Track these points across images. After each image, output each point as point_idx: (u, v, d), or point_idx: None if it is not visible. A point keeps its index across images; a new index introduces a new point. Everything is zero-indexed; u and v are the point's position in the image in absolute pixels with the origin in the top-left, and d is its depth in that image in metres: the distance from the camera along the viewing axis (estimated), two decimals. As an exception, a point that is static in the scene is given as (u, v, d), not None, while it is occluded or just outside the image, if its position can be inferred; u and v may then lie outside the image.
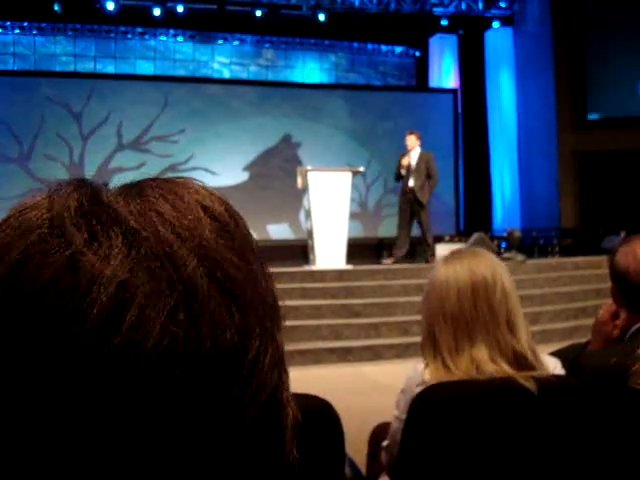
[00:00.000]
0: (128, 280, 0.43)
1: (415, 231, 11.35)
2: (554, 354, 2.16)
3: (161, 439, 0.43)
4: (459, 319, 1.74)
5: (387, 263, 10.42)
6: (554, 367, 1.87)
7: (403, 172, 10.63)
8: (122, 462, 0.42)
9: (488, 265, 1.79)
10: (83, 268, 0.43)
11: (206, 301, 0.45)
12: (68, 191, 0.49)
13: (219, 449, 0.45)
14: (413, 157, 10.62)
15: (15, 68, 15.42)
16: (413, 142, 10.71)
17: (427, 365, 1.86)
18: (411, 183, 10.57)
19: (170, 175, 0.55)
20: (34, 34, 15.60)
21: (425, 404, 1.72)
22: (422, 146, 10.93)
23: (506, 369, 1.71)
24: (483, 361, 1.71)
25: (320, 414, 1.70)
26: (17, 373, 0.42)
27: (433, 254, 10.65)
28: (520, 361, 1.74)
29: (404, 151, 10.46)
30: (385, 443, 2.07)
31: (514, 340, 1.75)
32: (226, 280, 0.46)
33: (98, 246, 0.44)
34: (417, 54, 17.94)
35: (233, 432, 0.46)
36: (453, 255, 1.85)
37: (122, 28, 15.87)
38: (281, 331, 0.51)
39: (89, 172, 14.43)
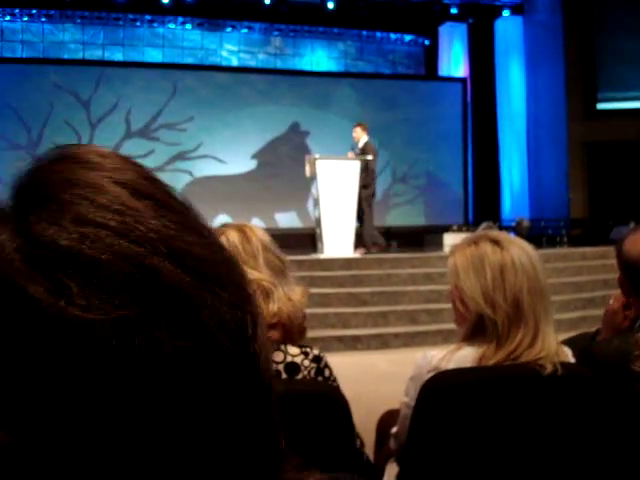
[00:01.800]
0: (120, 316, 0.40)
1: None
2: (564, 343, 2.16)
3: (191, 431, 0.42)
4: (544, 294, 1.78)
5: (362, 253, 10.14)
6: (566, 355, 1.87)
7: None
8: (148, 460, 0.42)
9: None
10: (69, 325, 0.39)
11: (195, 294, 0.43)
12: None
13: (244, 418, 0.46)
14: (359, 148, 10.50)
15: (24, 55, 15.43)
16: (358, 134, 10.60)
17: (459, 348, 1.85)
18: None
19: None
20: (42, 22, 15.59)
21: (435, 390, 1.72)
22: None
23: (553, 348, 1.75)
24: (554, 336, 1.76)
25: (328, 399, 1.70)
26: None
27: (361, 246, 10.24)
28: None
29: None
30: (394, 430, 2.07)
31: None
32: (196, 265, 0.44)
33: (68, 293, 0.40)
34: (426, 42, 17.85)
35: (255, 402, 0.46)
36: (502, 237, 1.86)
37: (130, 16, 15.84)
38: (249, 284, 0.50)
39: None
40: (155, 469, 0.41)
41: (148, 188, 0.46)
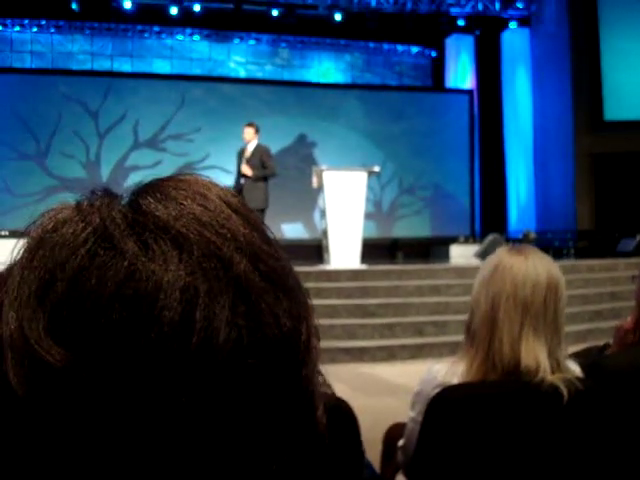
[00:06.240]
0: (189, 283, 0.45)
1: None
2: (570, 357, 2.15)
3: (242, 424, 0.46)
4: (529, 310, 1.75)
5: None
6: (574, 371, 1.86)
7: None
8: (212, 453, 0.46)
9: (559, 271, 1.83)
10: (145, 276, 0.45)
11: (260, 293, 0.48)
12: (104, 202, 0.50)
13: (285, 424, 0.49)
14: (248, 150, 9.93)
15: (33, 66, 15.53)
16: (251, 135, 9.94)
17: (461, 359, 1.83)
18: (241, 180, 9.89)
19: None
20: (52, 32, 15.71)
21: (442, 405, 1.72)
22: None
23: (548, 371, 1.72)
24: (543, 357, 1.72)
25: (337, 412, 1.70)
26: (100, 387, 0.44)
27: None
28: (553, 368, 1.75)
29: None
30: (401, 443, 2.07)
31: (558, 347, 1.77)
32: (268, 271, 0.50)
33: (152, 253, 0.46)
34: (433, 54, 17.91)
35: (297, 407, 0.50)
36: (526, 250, 1.85)
37: (139, 27, 15.95)
38: (313, 311, 0.55)
39: (105, 170, 14.52)
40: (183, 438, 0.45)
41: (244, 211, 0.54)
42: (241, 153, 10.01)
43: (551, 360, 1.73)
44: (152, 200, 0.50)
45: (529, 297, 1.75)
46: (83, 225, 0.48)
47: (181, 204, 0.50)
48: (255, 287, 0.48)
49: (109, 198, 0.51)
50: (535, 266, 1.78)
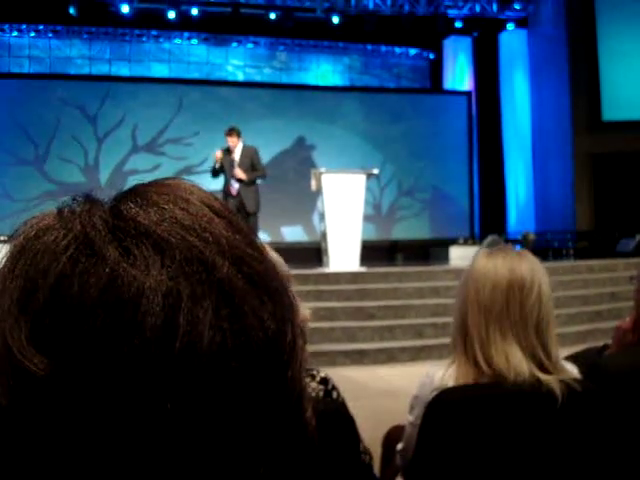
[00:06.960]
0: (172, 287, 0.45)
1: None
2: (569, 358, 2.15)
3: (228, 428, 0.46)
4: (491, 312, 1.74)
5: None
6: (571, 372, 1.86)
7: (217, 165, 9.87)
8: (197, 456, 0.46)
9: (529, 268, 1.79)
10: (127, 282, 0.45)
11: (244, 295, 0.48)
12: (84, 208, 0.50)
13: (274, 426, 0.49)
14: (236, 154, 9.86)
15: (31, 71, 15.55)
16: (235, 141, 9.88)
17: (453, 362, 1.83)
18: (236, 185, 9.81)
19: (185, 178, 0.57)
20: (49, 37, 15.73)
21: (440, 408, 1.72)
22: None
23: (534, 370, 1.71)
24: (516, 358, 1.71)
25: (335, 415, 1.70)
26: (84, 395, 0.44)
27: None
28: (541, 367, 1.73)
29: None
30: (400, 447, 2.06)
31: (539, 347, 1.74)
32: (252, 274, 0.50)
33: (134, 259, 0.46)
34: (431, 56, 17.92)
35: (284, 409, 0.50)
36: (498, 251, 1.84)
37: (137, 31, 15.97)
38: (297, 312, 0.54)
39: (104, 174, 14.51)
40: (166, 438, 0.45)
41: (226, 213, 0.54)
42: (225, 154, 9.91)
43: (532, 360, 1.72)
44: (133, 205, 0.50)
45: (488, 299, 1.75)
46: (64, 232, 0.48)
47: (163, 208, 0.50)
48: (238, 290, 0.48)
49: (90, 204, 0.51)
50: (496, 267, 1.77)
